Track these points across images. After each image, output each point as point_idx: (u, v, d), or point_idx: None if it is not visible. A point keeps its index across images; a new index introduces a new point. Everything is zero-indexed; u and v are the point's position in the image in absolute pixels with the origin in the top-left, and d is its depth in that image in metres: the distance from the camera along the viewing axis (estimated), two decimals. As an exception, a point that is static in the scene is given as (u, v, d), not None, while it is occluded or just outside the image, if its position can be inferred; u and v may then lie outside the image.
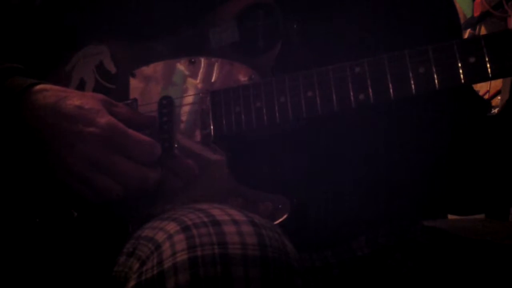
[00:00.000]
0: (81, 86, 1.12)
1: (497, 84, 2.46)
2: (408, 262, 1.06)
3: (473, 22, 2.77)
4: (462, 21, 2.74)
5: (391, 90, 0.91)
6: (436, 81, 0.88)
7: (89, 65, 1.12)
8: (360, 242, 1.08)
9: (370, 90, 0.92)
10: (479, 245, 1.07)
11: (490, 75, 0.85)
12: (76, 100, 0.97)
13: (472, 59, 0.86)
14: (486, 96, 2.55)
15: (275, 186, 1.00)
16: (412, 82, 0.90)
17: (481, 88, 2.53)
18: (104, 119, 0.96)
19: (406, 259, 1.06)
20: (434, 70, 0.88)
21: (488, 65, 0.85)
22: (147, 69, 1.09)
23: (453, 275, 1.02)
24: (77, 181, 0.96)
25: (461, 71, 0.87)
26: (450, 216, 1.57)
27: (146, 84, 1.08)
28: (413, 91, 0.90)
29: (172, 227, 0.80)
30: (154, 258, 0.77)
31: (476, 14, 2.76)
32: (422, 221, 1.15)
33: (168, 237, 0.78)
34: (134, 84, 1.09)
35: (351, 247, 1.08)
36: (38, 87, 0.99)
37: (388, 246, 1.08)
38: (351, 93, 0.93)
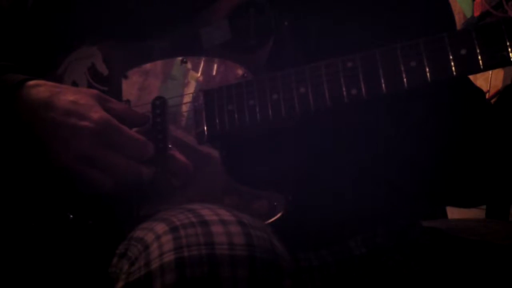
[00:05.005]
0: None
1: (497, 84, 2.46)
2: (409, 262, 1.05)
3: (473, 22, 2.76)
4: (462, 21, 2.74)
5: (383, 85, 0.90)
6: (428, 74, 0.88)
7: (81, 68, 1.11)
8: (357, 241, 1.07)
9: (362, 85, 0.92)
10: (479, 245, 1.07)
11: (482, 66, 0.85)
12: (70, 95, 0.97)
13: (463, 51, 0.86)
14: (486, 96, 2.54)
15: (270, 184, 1.00)
16: (404, 75, 0.89)
17: (481, 87, 2.52)
18: (98, 114, 0.95)
19: (407, 259, 1.05)
20: (426, 63, 0.88)
21: (479, 57, 0.85)
22: (139, 70, 1.08)
23: (453, 276, 1.01)
24: (68, 174, 0.95)
25: (452, 63, 0.86)
26: (450, 215, 1.56)
27: (138, 85, 1.08)
28: (405, 84, 0.89)
29: (161, 227, 0.80)
30: (142, 259, 0.77)
31: (476, 14, 2.75)
32: (421, 221, 1.14)
33: (156, 237, 0.78)
34: (127, 85, 1.09)
35: (348, 246, 1.07)
36: (32, 82, 0.99)
37: (386, 247, 1.07)
38: (344, 88, 0.93)
